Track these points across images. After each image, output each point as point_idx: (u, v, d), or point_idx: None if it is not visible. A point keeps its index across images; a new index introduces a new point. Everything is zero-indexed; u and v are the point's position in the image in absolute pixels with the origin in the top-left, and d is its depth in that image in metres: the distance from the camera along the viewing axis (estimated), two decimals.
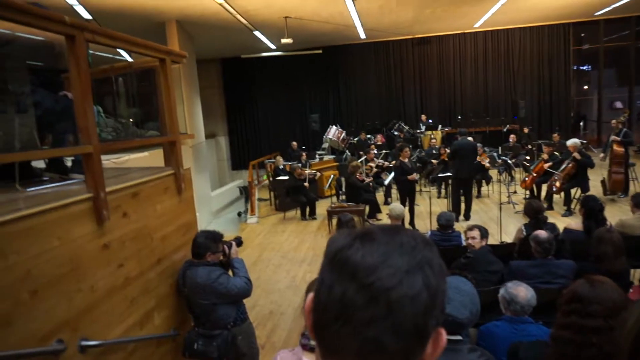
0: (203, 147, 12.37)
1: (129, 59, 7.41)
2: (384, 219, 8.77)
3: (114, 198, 2.55)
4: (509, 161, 9.72)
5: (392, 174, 8.70)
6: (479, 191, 10.21)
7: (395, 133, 14.12)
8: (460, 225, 6.69)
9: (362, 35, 14.12)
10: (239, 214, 11.98)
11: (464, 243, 4.73)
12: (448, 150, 9.07)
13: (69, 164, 3.17)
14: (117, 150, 4.30)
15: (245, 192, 12.70)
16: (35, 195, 2.50)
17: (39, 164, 3.28)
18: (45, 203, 2.11)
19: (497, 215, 7.17)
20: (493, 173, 10.27)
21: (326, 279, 0.58)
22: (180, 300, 3.31)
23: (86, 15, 8.54)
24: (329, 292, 0.57)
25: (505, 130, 13.74)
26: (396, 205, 5.48)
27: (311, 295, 0.61)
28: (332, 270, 0.58)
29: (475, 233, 4.06)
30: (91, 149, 2.29)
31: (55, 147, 2.95)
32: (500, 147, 11.71)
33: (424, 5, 11.01)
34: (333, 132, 13.56)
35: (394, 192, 9.84)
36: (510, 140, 11.65)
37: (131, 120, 5.16)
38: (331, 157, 13.00)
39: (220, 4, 8.97)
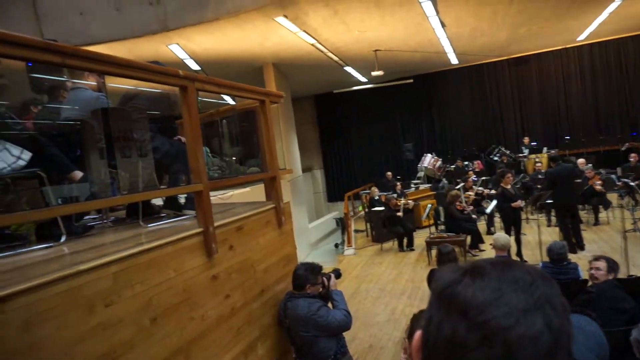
0: (300, 181, 12.80)
1: (232, 102, 8.02)
2: (487, 249, 8.25)
3: (221, 232, 2.73)
4: (631, 183, 8.66)
5: (494, 202, 8.22)
6: (596, 218, 9.21)
7: (495, 158, 13.39)
8: (576, 257, 6.06)
9: (454, 61, 13.83)
10: (336, 246, 12.06)
11: (581, 276, 4.26)
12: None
13: (182, 200, 3.47)
14: (223, 187, 4.60)
15: (342, 224, 12.79)
16: (155, 230, 2.77)
17: (157, 201, 3.64)
18: (163, 237, 2.32)
19: (620, 244, 6.37)
20: (612, 197, 9.22)
21: (434, 316, 0.56)
22: (282, 331, 3.38)
23: (195, 66, 9.48)
24: (437, 330, 0.54)
25: (624, 149, 12.33)
26: (501, 235, 5.13)
27: (419, 332, 0.59)
28: (441, 307, 0.56)
29: (601, 264, 3.63)
30: (202, 187, 2.49)
31: (171, 186, 3.26)
32: (619, 168, 10.51)
33: (518, 24, 10.53)
34: (428, 160, 13.26)
35: (497, 220, 9.26)
36: (632, 159, 10.40)
37: (234, 158, 5.53)
38: (427, 186, 12.68)
39: (312, 44, 9.41)
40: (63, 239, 2.55)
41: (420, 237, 9.73)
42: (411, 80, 14.68)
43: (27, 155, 2.50)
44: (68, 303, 1.72)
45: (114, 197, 2.61)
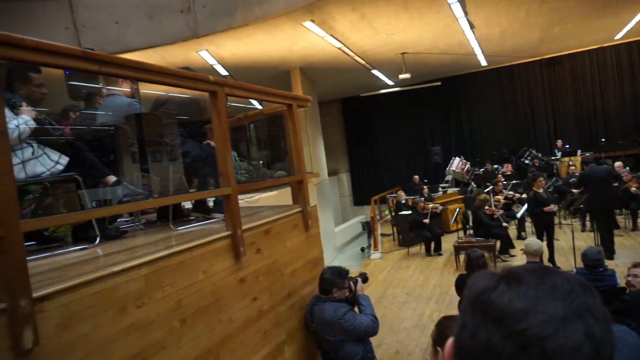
0: (326, 185, 12.82)
1: (259, 107, 8.12)
2: (517, 255, 8.06)
3: (249, 235, 2.76)
4: None
5: (525, 206, 8.02)
6: (634, 223, 8.86)
7: (527, 162, 13.06)
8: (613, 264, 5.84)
9: (483, 63, 13.60)
10: (362, 250, 12.01)
11: (619, 283, 4.11)
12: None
13: (211, 204, 3.54)
14: (251, 191, 4.65)
15: (368, 228, 12.74)
16: (185, 233, 2.82)
17: (187, 204, 3.72)
18: (192, 240, 2.36)
19: None
20: None
21: (468, 323, 0.55)
22: (309, 335, 3.39)
23: (223, 72, 9.64)
24: (471, 337, 0.53)
25: None
26: (533, 240, 5.00)
27: (451, 340, 0.58)
28: (475, 314, 0.55)
29: None
30: (230, 190, 2.53)
31: (200, 190, 3.32)
32: None
33: (551, 23, 10.26)
34: (456, 163, 13.07)
35: (528, 225, 9.03)
36: None
37: (261, 162, 5.60)
38: (455, 189, 12.49)
39: (339, 48, 9.43)
40: (97, 241, 2.64)
41: (448, 242, 9.58)
42: (439, 83, 14.52)
43: (64, 159, 2.60)
44: (102, 303, 1.78)
45: (145, 200, 2.68)
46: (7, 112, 2.27)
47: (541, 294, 0.52)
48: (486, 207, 8.30)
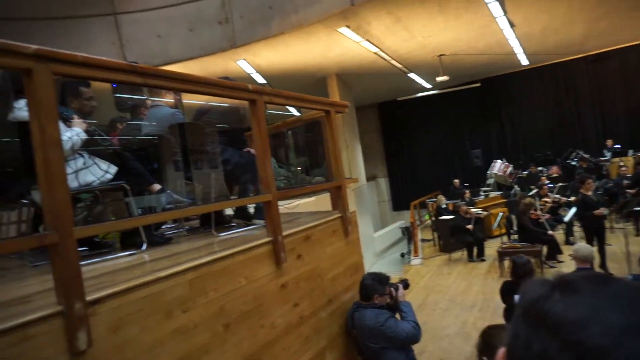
0: (364, 190, 12.75)
1: (296, 113, 8.20)
2: (566, 260, 7.71)
3: (289, 241, 2.78)
4: None
5: (573, 210, 7.68)
6: None
7: (574, 163, 12.53)
8: None
9: (524, 62, 13.18)
10: (402, 255, 11.85)
11: None
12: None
13: (251, 210, 3.59)
14: (290, 197, 4.69)
15: (408, 233, 12.56)
16: (227, 239, 2.88)
17: (228, 210, 3.79)
18: (234, 246, 2.40)
19: None
20: None
21: (521, 332, 0.53)
22: (350, 341, 3.36)
23: (261, 80, 9.81)
24: (525, 348, 0.51)
25: None
26: (582, 246, 4.78)
27: (502, 350, 0.56)
28: (528, 323, 0.52)
29: None
30: (270, 197, 2.56)
31: (241, 197, 3.38)
32: None
33: (596, 17, 9.83)
34: (498, 166, 12.69)
35: (577, 230, 8.64)
36: None
37: (299, 168, 5.65)
38: (498, 193, 12.13)
39: (375, 53, 9.40)
40: (144, 247, 2.73)
41: (491, 247, 9.30)
42: (478, 84, 14.19)
43: (113, 169, 2.71)
44: (150, 307, 1.83)
45: (189, 207, 2.75)
46: (61, 125, 2.39)
47: (600, 303, 0.49)
48: (531, 212, 8.00)
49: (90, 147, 2.73)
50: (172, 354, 1.90)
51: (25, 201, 2.72)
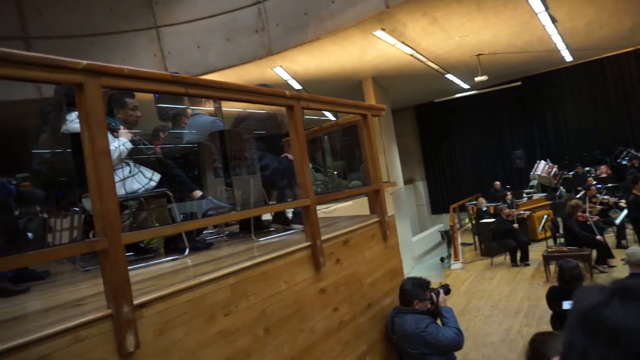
0: (402, 193, 12.61)
1: (331, 118, 8.22)
2: (618, 265, 7.33)
3: (328, 246, 2.78)
4: None
5: (625, 212, 7.30)
6: None
7: (624, 162, 11.90)
8: None
9: (568, 58, 12.67)
10: (442, 260, 11.63)
11: None
12: None
13: (289, 215, 3.62)
14: (328, 201, 4.70)
15: (447, 237, 12.32)
16: (266, 244, 2.91)
17: (266, 215, 3.84)
18: (274, 251, 2.43)
19: None
20: None
21: (576, 341, 0.50)
22: (390, 347, 3.32)
23: (297, 86, 9.90)
24: (582, 357, 0.49)
25: None
26: (637, 249, 4.53)
27: (556, 359, 0.53)
28: (585, 332, 0.50)
29: None
30: (309, 202, 2.58)
31: (279, 202, 3.42)
32: None
33: None
34: (542, 167, 12.25)
35: (630, 232, 8.20)
36: None
37: (335, 172, 5.66)
38: (542, 195, 11.70)
39: (411, 55, 9.30)
40: (187, 252, 2.81)
41: (535, 251, 8.97)
42: (519, 83, 13.73)
43: (157, 176, 2.80)
44: (193, 311, 1.88)
45: (230, 213, 2.81)
46: (108, 136, 2.50)
47: None
48: (579, 214, 7.66)
49: (135, 155, 2.84)
50: (215, 356, 1.94)
51: (76, 209, 2.86)
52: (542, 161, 12.53)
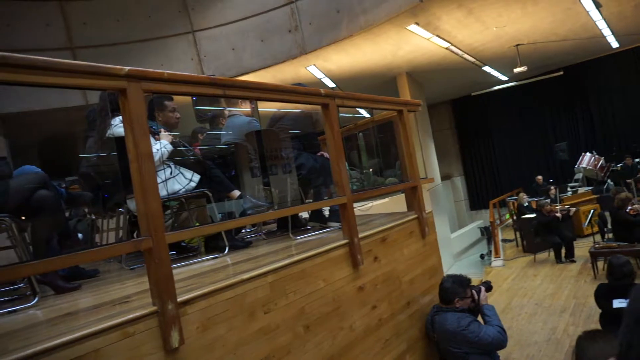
0: (439, 189, 12.40)
1: (366, 115, 8.18)
2: None
3: (365, 243, 2.77)
4: None
5: None
6: None
7: None
8: None
9: (614, 44, 12.05)
10: (482, 256, 11.36)
11: None
12: None
13: (326, 213, 3.63)
14: (364, 199, 4.68)
15: (487, 233, 12.02)
16: (304, 242, 2.93)
17: (303, 214, 3.87)
18: (312, 249, 2.44)
19: None
20: None
21: (635, 343, 0.48)
22: (431, 345, 3.28)
23: (330, 84, 9.90)
24: None
25: None
26: None
27: None
28: None
29: None
30: (346, 199, 2.57)
31: (315, 200, 3.43)
32: None
33: None
34: (587, 159, 11.74)
35: None
36: None
37: (370, 170, 5.62)
38: (588, 189, 11.21)
39: (447, 48, 9.11)
40: (226, 250, 2.86)
41: (581, 247, 8.61)
42: (561, 73, 13.19)
43: (196, 177, 2.87)
44: (235, 308, 1.91)
45: (268, 212, 2.84)
46: (150, 138, 2.58)
47: None
48: (629, 207, 7.29)
49: (176, 157, 2.92)
50: (255, 353, 1.97)
51: (121, 209, 2.97)
52: (588, 153, 12.00)
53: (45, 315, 1.88)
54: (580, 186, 11.72)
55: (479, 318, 3.17)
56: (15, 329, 1.70)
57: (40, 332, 1.55)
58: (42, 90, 6.45)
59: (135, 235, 2.71)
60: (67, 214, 3.19)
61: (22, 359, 1.27)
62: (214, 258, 2.77)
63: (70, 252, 1.56)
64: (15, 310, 1.98)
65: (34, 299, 2.07)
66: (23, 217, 2.30)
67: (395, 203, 5.02)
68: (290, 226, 3.26)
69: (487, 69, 11.77)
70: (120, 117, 1.87)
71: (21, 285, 2.50)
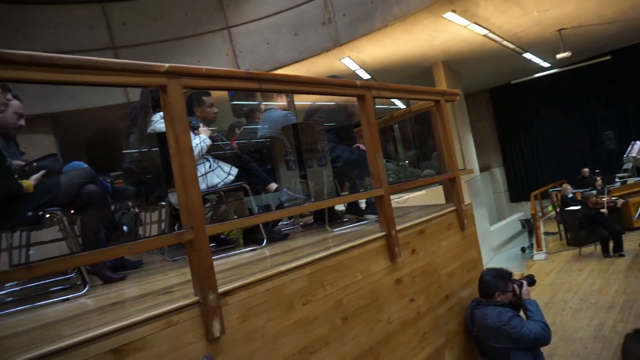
0: (478, 181, 12.11)
1: (401, 106, 8.08)
2: None
3: (403, 236, 2.75)
4: None
5: None
6: None
7: None
8: None
9: None
10: (523, 250, 11.04)
11: None
12: None
13: (362, 205, 3.62)
14: (401, 191, 4.64)
15: (528, 226, 11.65)
16: (340, 235, 2.94)
17: (339, 206, 3.87)
18: (349, 241, 2.45)
19: None
20: None
21: None
22: (470, 340, 3.22)
23: (365, 75, 9.82)
24: None
25: None
26: None
27: None
28: None
29: None
30: (383, 191, 2.56)
31: (351, 192, 3.43)
32: None
33: None
34: (638, 148, 11.14)
35: None
36: None
37: (407, 161, 5.55)
38: (638, 179, 10.65)
39: (484, 35, 8.84)
40: (264, 242, 2.91)
41: (631, 241, 8.21)
42: (608, 57, 12.54)
43: (234, 171, 2.92)
44: (273, 300, 1.94)
45: (305, 204, 2.86)
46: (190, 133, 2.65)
47: None
48: None
49: (214, 151, 2.98)
50: (294, 343, 2.00)
51: (163, 203, 3.06)
52: (638, 142, 11.39)
53: (95, 304, 1.97)
54: (629, 176, 11.14)
55: (521, 313, 3.09)
56: (69, 315, 1.79)
57: (91, 320, 1.63)
58: (87, 89, 6.73)
59: (176, 227, 2.79)
60: (112, 208, 3.32)
61: (76, 344, 1.35)
62: (252, 250, 2.82)
63: (117, 244, 1.62)
64: (67, 299, 2.09)
65: (84, 288, 2.17)
66: (72, 211, 2.41)
67: (431, 195, 4.95)
68: (327, 218, 3.27)
69: (527, 55, 11.34)
70: (161, 113, 1.92)
71: (72, 275, 2.63)
